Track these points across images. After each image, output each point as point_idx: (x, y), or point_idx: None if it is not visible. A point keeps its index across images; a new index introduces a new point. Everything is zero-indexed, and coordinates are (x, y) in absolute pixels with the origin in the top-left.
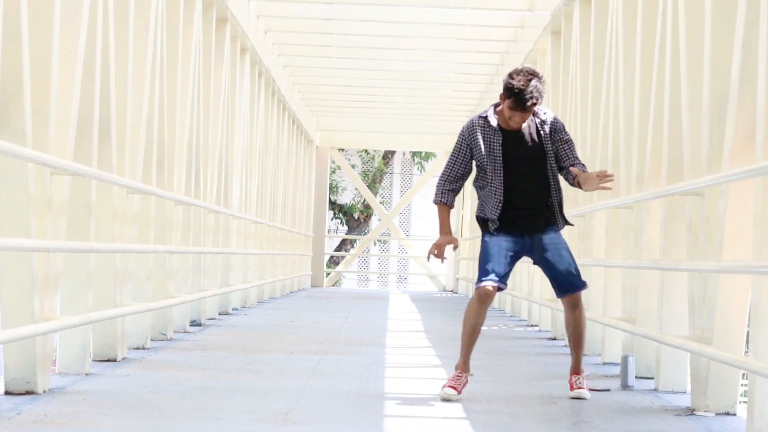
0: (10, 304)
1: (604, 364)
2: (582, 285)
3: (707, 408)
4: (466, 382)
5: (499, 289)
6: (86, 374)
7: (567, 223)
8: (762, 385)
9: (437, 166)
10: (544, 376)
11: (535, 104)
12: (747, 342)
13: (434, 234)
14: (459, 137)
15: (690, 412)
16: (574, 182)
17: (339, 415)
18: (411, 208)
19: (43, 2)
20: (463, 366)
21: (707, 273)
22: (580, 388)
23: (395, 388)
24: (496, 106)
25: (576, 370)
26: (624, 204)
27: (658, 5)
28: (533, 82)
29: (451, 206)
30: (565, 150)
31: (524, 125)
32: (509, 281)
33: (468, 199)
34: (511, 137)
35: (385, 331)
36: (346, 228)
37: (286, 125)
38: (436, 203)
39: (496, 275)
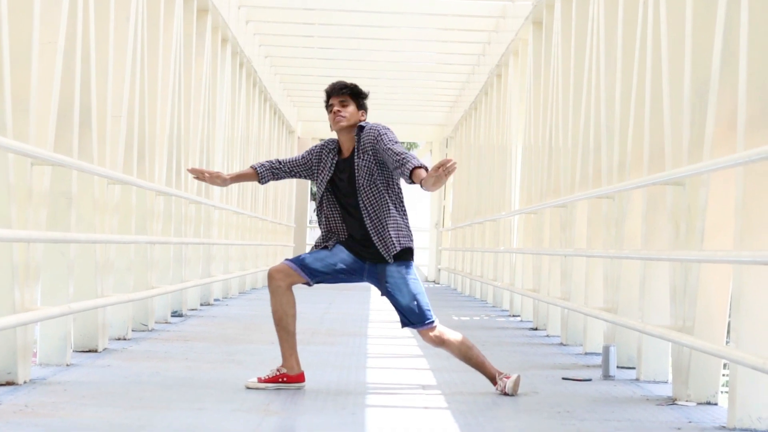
0: None
1: (586, 354)
2: (421, 326)
3: (689, 397)
4: (280, 377)
5: (306, 283)
6: (67, 365)
7: (402, 257)
8: (743, 374)
9: (419, 156)
10: (525, 365)
11: (348, 88)
12: (728, 332)
13: (419, 224)
14: (312, 147)
15: (671, 401)
16: (417, 183)
17: (320, 406)
18: None
19: None
20: (282, 363)
21: (689, 263)
22: (505, 382)
23: (376, 378)
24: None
25: (493, 380)
26: (605, 194)
27: None
28: (346, 82)
29: (258, 176)
30: (389, 154)
31: (356, 149)
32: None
33: (450, 189)
34: (343, 165)
35: (366, 322)
36: None
37: (267, 115)
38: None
39: (301, 263)
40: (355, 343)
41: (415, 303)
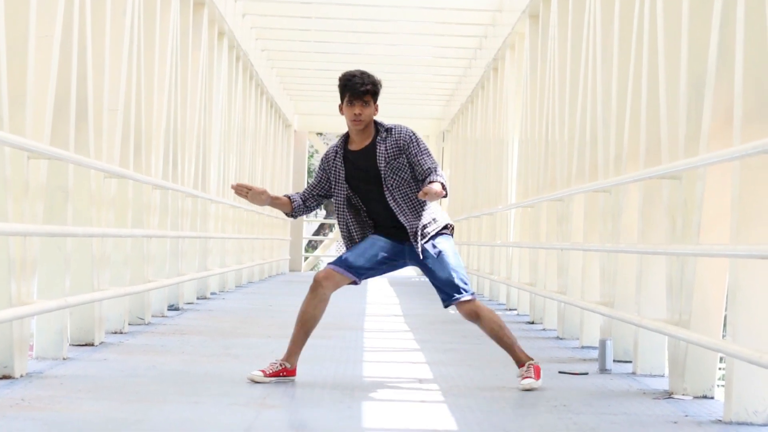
0: None
1: (582, 347)
2: (459, 295)
3: (685, 391)
4: (282, 371)
5: (354, 282)
6: (63, 359)
7: (428, 240)
8: (739, 368)
9: None
10: None
11: (369, 90)
12: (724, 325)
13: None
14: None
15: (668, 395)
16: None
17: (317, 400)
18: None
19: None
20: (286, 356)
21: (685, 256)
22: (527, 377)
23: (373, 372)
24: (346, 135)
25: (519, 362)
26: (602, 188)
27: None
28: (364, 73)
29: (293, 204)
30: (419, 161)
31: (379, 148)
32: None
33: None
34: (356, 156)
35: (363, 316)
36: (324, 212)
37: (263, 109)
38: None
39: (345, 263)
40: (352, 337)
41: (455, 275)
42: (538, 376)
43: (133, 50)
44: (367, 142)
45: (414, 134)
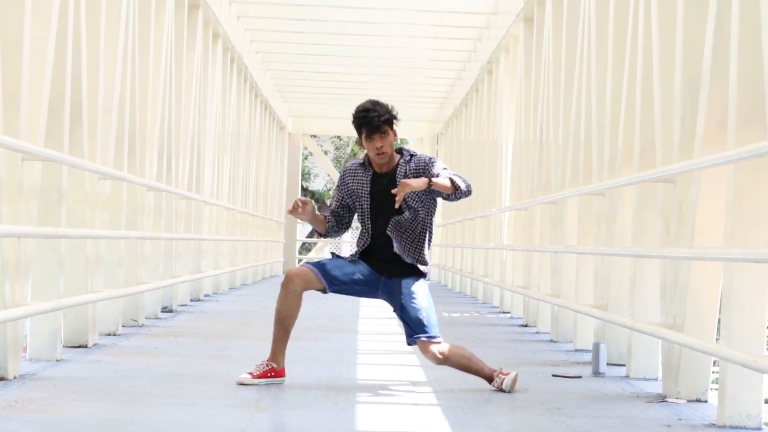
0: None
1: (576, 350)
2: (428, 334)
3: (678, 395)
4: (269, 371)
5: (323, 290)
6: (57, 360)
7: (418, 274)
8: (733, 372)
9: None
10: (516, 362)
11: (384, 120)
12: (718, 329)
13: None
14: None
15: (661, 398)
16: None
17: (311, 402)
18: None
19: None
20: (271, 357)
21: (679, 260)
22: (502, 378)
23: (367, 374)
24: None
25: (489, 378)
26: (596, 191)
27: None
28: (377, 104)
29: (326, 225)
30: (435, 173)
31: (400, 170)
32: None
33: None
34: (379, 180)
35: (357, 318)
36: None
37: (258, 111)
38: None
39: (321, 268)
40: (346, 340)
41: (425, 316)
42: (507, 373)
43: (128, 52)
44: (390, 166)
45: (432, 157)
